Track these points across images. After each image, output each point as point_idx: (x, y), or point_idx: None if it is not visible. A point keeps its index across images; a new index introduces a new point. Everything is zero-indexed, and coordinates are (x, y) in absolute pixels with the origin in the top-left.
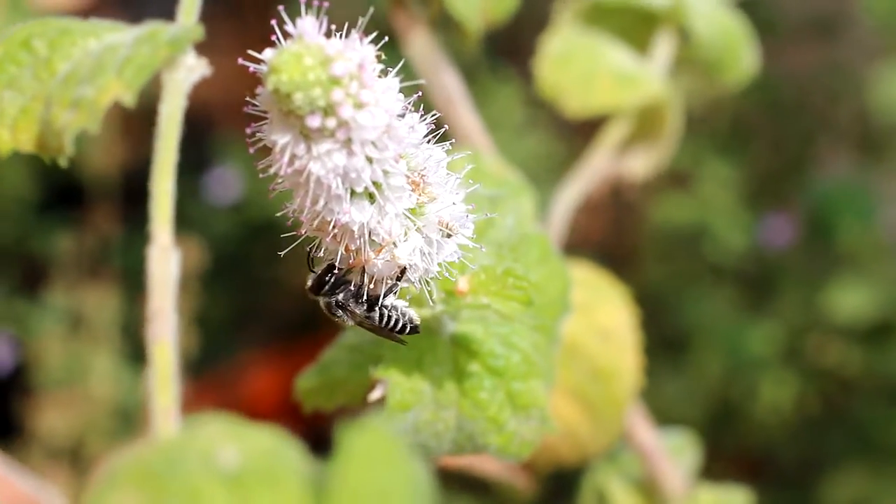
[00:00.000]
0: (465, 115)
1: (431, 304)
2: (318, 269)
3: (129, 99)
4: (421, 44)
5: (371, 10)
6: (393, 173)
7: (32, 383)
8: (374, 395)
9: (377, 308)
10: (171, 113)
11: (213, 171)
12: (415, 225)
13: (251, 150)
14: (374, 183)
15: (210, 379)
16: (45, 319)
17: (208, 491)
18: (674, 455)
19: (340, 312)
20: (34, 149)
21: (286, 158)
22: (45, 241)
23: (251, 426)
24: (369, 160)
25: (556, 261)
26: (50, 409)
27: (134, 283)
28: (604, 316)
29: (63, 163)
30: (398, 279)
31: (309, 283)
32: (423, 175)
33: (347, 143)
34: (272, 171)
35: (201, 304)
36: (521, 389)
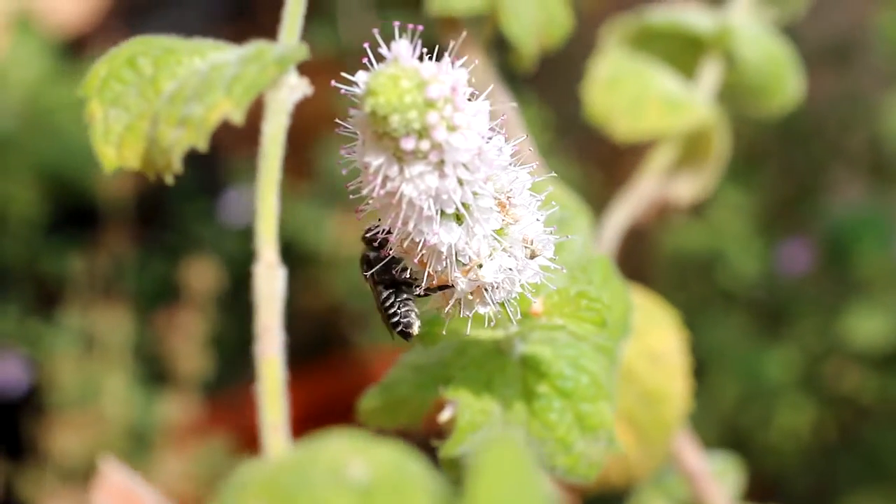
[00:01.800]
0: (520, 137)
1: (514, 325)
2: (377, 229)
3: (237, 117)
4: (475, 66)
5: (464, 33)
6: (482, 195)
7: (46, 404)
8: (444, 415)
9: (390, 292)
10: (274, 132)
11: (226, 194)
12: (500, 245)
13: (343, 172)
14: (464, 204)
15: (224, 399)
16: (59, 340)
17: None
18: (718, 478)
19: (365, 267)
20: (139, 166)
21: (379, 180)
22: (57, 263)
23: (376, 441)
24: (460, 182)
25: (618, 283)
26: (63, 429)
27: (147, 304)
28: (654, 340)
29: (169, 180)
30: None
31: (366, 235)
32: (509, 197)
33: (440, 165)
34: (364, 192)
35: (215, 325)
36: (590, 411)
